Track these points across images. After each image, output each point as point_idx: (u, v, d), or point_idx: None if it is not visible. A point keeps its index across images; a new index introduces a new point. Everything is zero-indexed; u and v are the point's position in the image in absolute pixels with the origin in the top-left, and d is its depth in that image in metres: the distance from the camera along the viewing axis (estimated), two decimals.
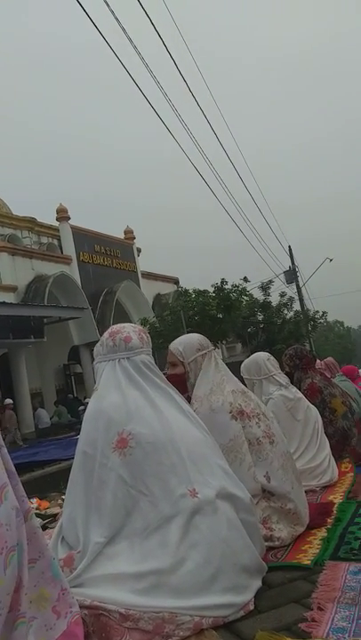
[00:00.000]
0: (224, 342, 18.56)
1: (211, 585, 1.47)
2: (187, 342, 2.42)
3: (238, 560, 1.55)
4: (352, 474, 3.19)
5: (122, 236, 20.11)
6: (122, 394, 1.73)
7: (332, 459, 3.18)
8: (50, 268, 15.40)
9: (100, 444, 1.65)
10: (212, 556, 1.49)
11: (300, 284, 22.93)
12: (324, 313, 23.28)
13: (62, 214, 16.99)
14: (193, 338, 2.45)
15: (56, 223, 17.29)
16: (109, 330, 1.92)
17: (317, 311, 23.37)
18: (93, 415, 1.73)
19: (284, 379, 3.26)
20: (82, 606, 1.38)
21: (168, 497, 1.55)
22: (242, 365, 3.33)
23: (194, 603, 1.42)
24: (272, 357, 3.31)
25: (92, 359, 1.96)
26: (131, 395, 1.73)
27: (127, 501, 1.56)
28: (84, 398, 14.64)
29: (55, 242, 17.63)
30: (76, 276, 16.31)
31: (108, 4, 6.80)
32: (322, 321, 24.39)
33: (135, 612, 1.38)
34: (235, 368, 3.31)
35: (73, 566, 1.53)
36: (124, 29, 7.26)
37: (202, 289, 16.51)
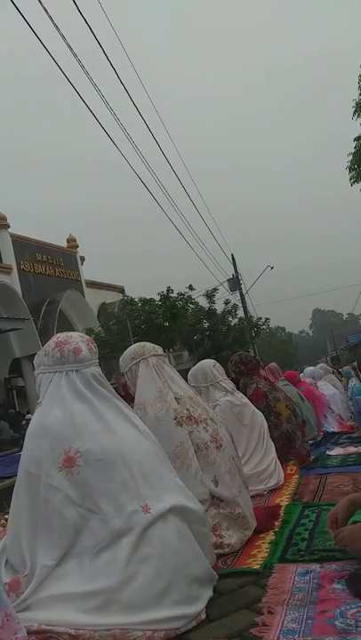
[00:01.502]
0: (171, 350, 18.62)
1: (162, 598, 1.45)
2: (124, 353, 2.45)
3: (190, 571, 1.54)
4: (297, 476, 3.29)
5: (64, 244, 19.74)
6: (68, 409, 1.66)
7: (278, 462, 3.26)
8: None
9: (44, 463, 1.57)
10: (163, 569, 1.47)
11: (244, 291, 23.50)
12: (266, 319, 24.01)
13: (1, 222, 16.45)
14: (130, 348, 2.47)
15: None
16: (55, 339, 1.83)
17: (260, 318, 24.07)
18: (37, 432, 1.65)
19: (229, 385, 3.31)
20: (29, 632, 1.32)
21: (120, 514, 1.51)
22: (189, 373, 3.35)
23: (145, 617, 1.39)
24: (218, 364, 3.36)
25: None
26: (78, 409, 1.66)
27: (77, 521, 1.51)
28: (27, 412, 14.14)
29: None
30: (17, 286, 15.81)
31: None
32: (265, 327, 25.09)
33: (85, 631, 1.34)
34: (182, 376, 3.32)
35: (20, 590, 1.46)
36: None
37: (148, 297, 16.52)
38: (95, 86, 8.59)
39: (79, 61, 8.01)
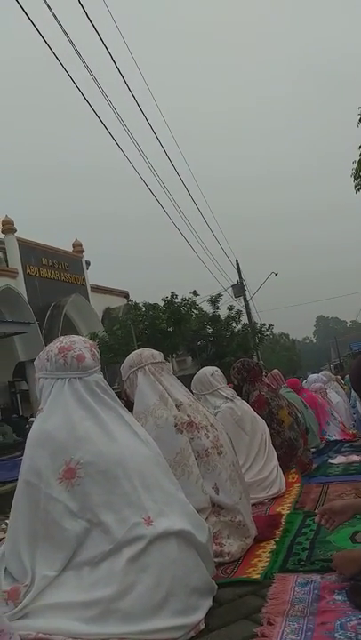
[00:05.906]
0: (174, 356, 18.60)
1: (161, 608, 1.44)
2: (125, 361, 2.45)
3: (189, 581, 1.53)
4: (299, 484, 3.27)
5: (70, 248, 19.81)
6: (70, 417, 1.63)
7: (280, 470, 3.25)
8: None
9: (44, 473, 1.55)
10: (163, 579, 1.46)
11: (248, 297, 23.47)
12: (270, 326, 23.93)
13: (8, 226, 16.52)
14: (130, 356, 2.46)
15: (1, 235, 16.79)
16: (58, 344, 1.78)
17: (264, 324, 24.00)
18: (38, 440, 1.63)
19: (229, 392, 3.32)
20: None
21: (122, 526, 1.50)
22: (192, 381, 3.36)
23: (144, 627, 1.39)
24: (217, 372, 3.36)
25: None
26: (80, 418, 1.63)
27: (78, 533, 1.49)
28: (31, 416, 14.15)
29: (0, 254, 17.10)
30: (22, 290, 15.83)
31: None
32: (268, 334, 25.01)
33: None
34: (185, 381, 3.33)
35: (19, 600, 1.44)
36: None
37: (152, 302, 16.53)
38: (99, 86, 8.66)
39: (87, 67, 8.08)
